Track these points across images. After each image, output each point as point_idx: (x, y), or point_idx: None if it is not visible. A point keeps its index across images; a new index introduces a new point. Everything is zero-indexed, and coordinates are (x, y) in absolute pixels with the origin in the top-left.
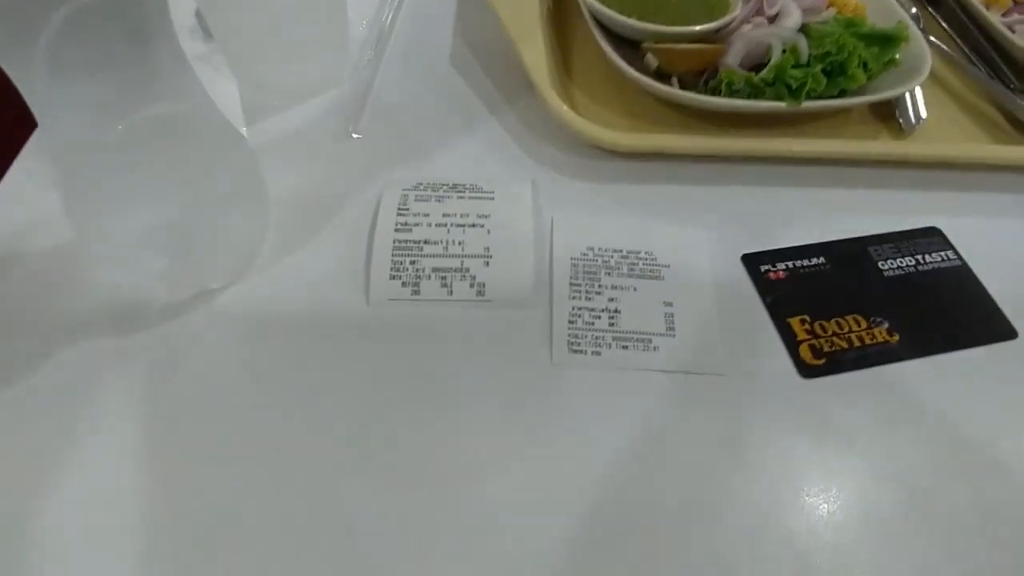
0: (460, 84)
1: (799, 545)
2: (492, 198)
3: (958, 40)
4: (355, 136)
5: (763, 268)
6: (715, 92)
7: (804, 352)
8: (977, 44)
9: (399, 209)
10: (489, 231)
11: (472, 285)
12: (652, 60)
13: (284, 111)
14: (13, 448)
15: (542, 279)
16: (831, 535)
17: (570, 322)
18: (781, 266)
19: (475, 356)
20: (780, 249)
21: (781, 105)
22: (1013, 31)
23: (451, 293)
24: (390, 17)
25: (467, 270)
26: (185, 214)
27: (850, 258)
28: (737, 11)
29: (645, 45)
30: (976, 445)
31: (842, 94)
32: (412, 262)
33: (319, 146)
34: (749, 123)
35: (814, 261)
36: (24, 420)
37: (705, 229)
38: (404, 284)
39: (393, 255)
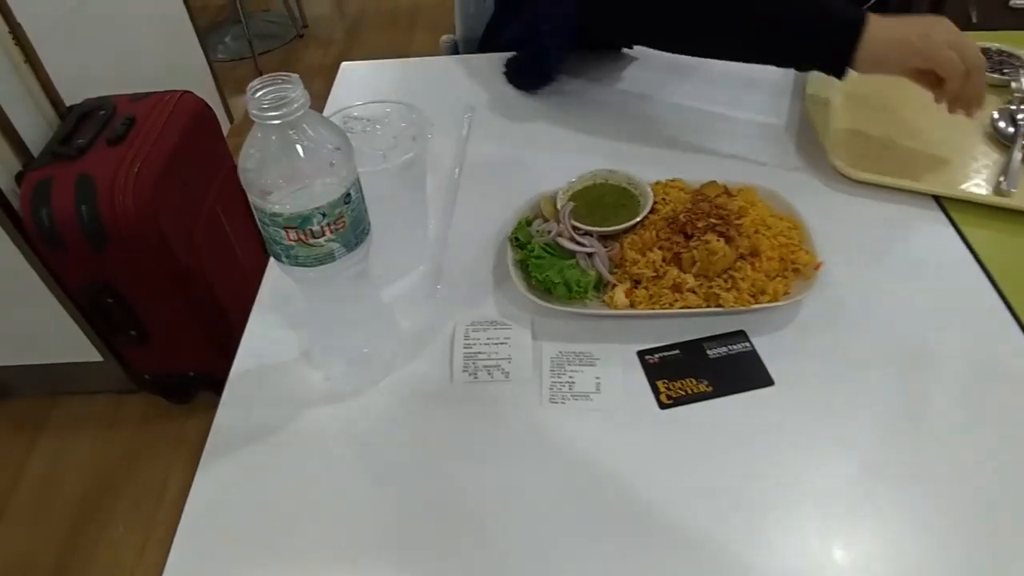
0: (492, 257)
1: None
2: (509, 328)
3: None
4: (439, 293)
5: (647, 357)
6: None
7: (663, 398)
8: None
9: (465, 339)
10: (509, 346)
11: (503, 373)
12: None
13: (395, 282)
14: (282, 471)
15: (536, 368)
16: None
17: (550, 388)
18: (657, 355)
19: (504, 404)
20: (656, 347)
21: None
22: None
23: (492, 377)
24: (451, 217)
25: (499, 366)
26: (362, 343)
27: (692, 349)
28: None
29: None
30: (745, 441)
31: None
32: (473, 363)
33: (417, 300)
34: None
35: (673, 352)
36: (275, 463)
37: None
38: (470, 374)
39: (464, 361)
